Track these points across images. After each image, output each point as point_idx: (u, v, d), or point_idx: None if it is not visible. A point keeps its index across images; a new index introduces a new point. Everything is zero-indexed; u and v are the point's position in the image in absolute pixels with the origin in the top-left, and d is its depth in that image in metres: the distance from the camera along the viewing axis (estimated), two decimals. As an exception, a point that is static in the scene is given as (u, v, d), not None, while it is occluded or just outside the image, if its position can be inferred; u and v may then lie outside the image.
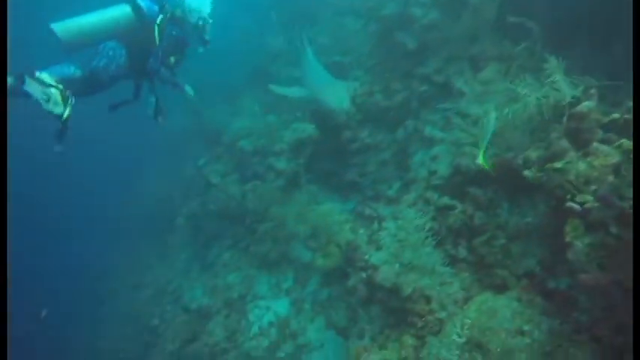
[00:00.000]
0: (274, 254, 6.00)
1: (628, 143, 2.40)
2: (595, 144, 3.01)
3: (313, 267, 5.44)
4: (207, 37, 4.64)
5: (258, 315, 5.85)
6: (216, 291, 6.59)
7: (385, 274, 4.22)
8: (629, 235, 2.31)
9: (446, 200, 4.38)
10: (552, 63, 2.95)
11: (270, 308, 5.80)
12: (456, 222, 4.05)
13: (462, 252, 3.92)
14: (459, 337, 3.07)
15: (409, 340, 3.59)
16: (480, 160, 3.11)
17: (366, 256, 4.49)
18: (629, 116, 2.91)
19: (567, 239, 2.60)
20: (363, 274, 4.44)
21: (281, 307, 5.73)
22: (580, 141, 3.09)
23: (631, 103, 2.95)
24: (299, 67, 6.76)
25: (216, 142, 8.40)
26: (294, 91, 6.13)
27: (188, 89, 5.08)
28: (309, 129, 6.48)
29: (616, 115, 3.08)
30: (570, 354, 2.71)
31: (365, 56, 6.77)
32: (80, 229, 14.32)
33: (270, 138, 7.26)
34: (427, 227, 4.21)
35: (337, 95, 5.66)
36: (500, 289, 3.36)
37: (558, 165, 2.83)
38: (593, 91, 3.25)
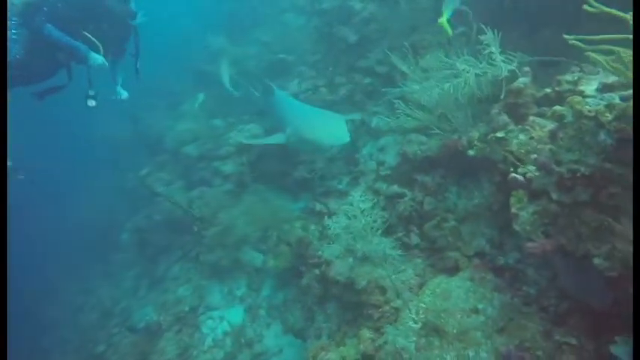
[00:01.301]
0: (225, 261, 5.71)
1: (560, 109, 2.43)
2: (532, 117, 3.07)
3: (266, 270, 5.22)
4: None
5: (211, 326, 5.52)
6: (166, 306, 6.18)
7: (339, 269, 4.10)
8: (569, 199, 2.32)
9: (395, 189, 4.35)
10: (489, 36, 2.97)
11: (224, 318, 5.50)
12: (405, 209, 4.01)
13: (415, 238, 3.87)
14: (415, 322, 2.98)
15: (367, 334, 3.46)
16: (443, 23, 3.37)
17: (319, 252, 4.35)
18: (560, 88, 2.98)
19: (513, 210, 2.58)
20: (317, 271, 4.30)
21: (235, 315, 5.44)
22: (518, 115, 3.13)
23: (563, 77, 3.02)
24: (269, 115, 6.11)
25: (158, 150, 7.99)
26: (277, 139, 5.22)
27: (120, 91, 4.79)
28: (255, 129, 6.28)
29: (548, 90, 3.16)
30: (521, 326, 2.69)
31: (308, 52, 6.69)
32: (15, 253, 13.12)
33: (216, 142, 6.99)
34: (378, 217, 4.15)
35: (333, 130, 4.73)
36: (453, 271, 3.33)
37: (500, 134, 2.84)
38: (527, 68, 3.33)
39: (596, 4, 2.07)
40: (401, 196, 4.22)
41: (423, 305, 3.02)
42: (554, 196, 2.36)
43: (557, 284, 2.87)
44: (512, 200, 2.66)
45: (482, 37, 2.99)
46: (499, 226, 3.42)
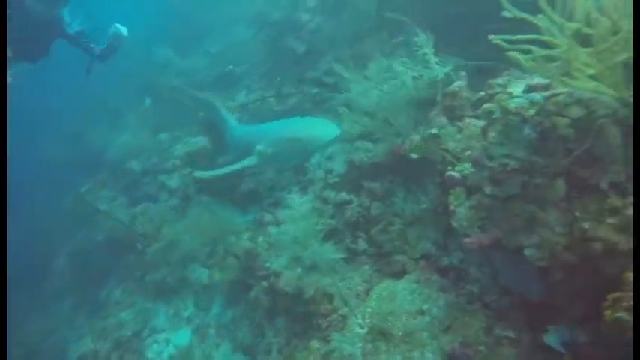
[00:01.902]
0: (171, 279, 5.46)
1: (489, 105, 2.54)
2: (467, 119, 3.19)
3: (213, 286, 5.03)
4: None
5: (157, 350, 5.22)
6: (105, 333, 5.78)
7: (287, 279, 4.01)
8: (501, 192, 2.41)
9: (343, 196, 4.35)
10: (422, 38, 3.08)
11: (170, 341, 5.21)
12: (353, 215, 4.03)
13: (362, 244, 3.87)
14: (361, 327, 2.95)
15: (316, 344, 3.39)
16: None
17: (267, 264, 4.25)
18: (492, 91, 3.13)
19: (451, 208, 2.64)
20: (265, 283, 4.18)
21: (182, 337, 5.17)
22: (455, 117, 3.25)
23: (495, 80, 3.17)
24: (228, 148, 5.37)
25: (100, 167, 7.62)
26: (246, 162, 4.52)
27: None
28: (201, 142, 6.14)
29: (482, 93, 3.31)
30: (465, 323, 2.73)
31: (257, 63, 6.69)
32: None
33: (161, 156, 6.76)
34: (326, 225, 4.15)
35: (321, 125, 4.20)
36: (400, 274, 3.35)
37: (436, 132, 2.93)
38: (463, 72, 3.48)
39: (513, 10, 2.20)
40: (349, 202, 4.23)
41: (370, 310, 3.01)
42: (488, 190, 2.44)
43: (498, 280, 2.96)
44: (450, 198, 2.72)
45: (416, 40, 3.10)
46: (443, 228, 3.49)
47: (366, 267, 3.68)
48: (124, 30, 4.87)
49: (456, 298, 2.95)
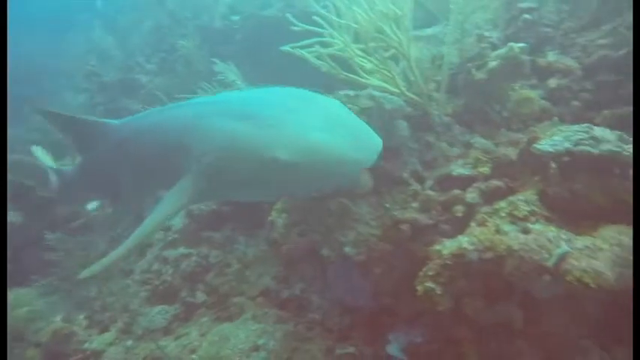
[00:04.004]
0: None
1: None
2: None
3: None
4: None
5: None
6: None
7: (112, 356, 3.38)
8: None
9: (182, 251, 4.00)
10: (220, 66, 3.21)
11: None
12: (189, 266, 3.68)
13: (200, 296, 3.50)
14: (191, 384, 2.51)
15: None
16: None
17: (86, 345, 3.54)
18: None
19: (270, 219, 2.55)
20: (80, 367, 3.43)
21: None
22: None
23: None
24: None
25: None
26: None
27: None
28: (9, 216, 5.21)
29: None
30: (306, 351, 2.52)
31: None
32: None
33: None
34: (160, 285, 3.72)
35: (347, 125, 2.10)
36: (238, 316, 3.04)
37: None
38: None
39: (299, 24, 2.42)
40: (187, 256, 3.88)
41: (197, 358, 2.60)
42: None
43: (339, 302, 2.87)
44: (273, 213, 2.65)
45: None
46: (285, 262, 3.38)
47: (205, 319, 3.29)
48: None
49: (294, 328, 2.75)
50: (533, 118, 2.53)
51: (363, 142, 1.82)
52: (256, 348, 2.60)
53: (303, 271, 3.21)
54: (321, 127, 1.82)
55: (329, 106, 1.96)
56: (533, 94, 2.60)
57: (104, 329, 3.68)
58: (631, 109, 2.38)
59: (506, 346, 2.43)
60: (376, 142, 1.82)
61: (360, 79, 2.26)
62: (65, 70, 7.09)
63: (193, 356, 2.59)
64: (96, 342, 3.51)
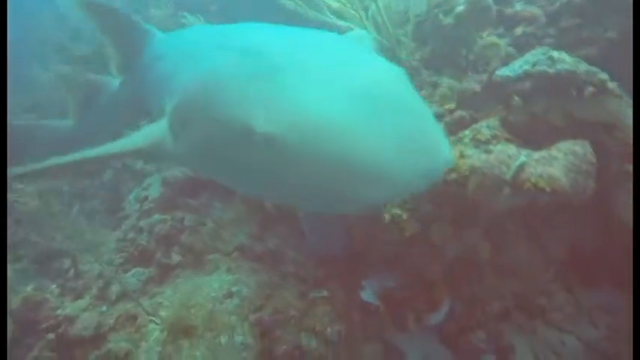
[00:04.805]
0: None
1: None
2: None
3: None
4: None
5: None
6: None
7: (85, 322, 3.33)
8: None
9: (156, 218, 3.98)
10: (190, 19, 3.20)
11: None
12: (163, 229, 3.66)
13: (175, 257, 3.48)
14: (162, 331, 2.51)
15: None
16: None
17: (58, 311, 3.50)
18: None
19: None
20: (52, 336, 3.38)
21: None
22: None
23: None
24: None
25: None
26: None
27: None
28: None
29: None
30: (278, 296, 2.55)
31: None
32: None
33: None
34: (136, 250, 3.70)
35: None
36: (212, 272, 3.05)
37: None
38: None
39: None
40: (162, 221, 3.86)
41: (170, 310, 2.60)
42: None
43: (313, 254, 2.91)
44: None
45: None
46: (261, 221, 3.40)
47: (179, 280, 3.28)
48: None
49: (268, 278, 2.77)
50: (499, 63, 2.59)
51: (421, 149, 1.11)
52: (229, 295, 2.61)
53: (279, 230, 3.25)
54: (347, 103, 1.15)
55: (376, 75, 1.25)
56: (499, 40, 2.68)
57: (78, 296, 3.64)
58: (593, 50, 2.48)
59: (477, 286, 2.50)
60: (445, 156, 1.14)
61: (327, 18, 2.29)
62: (35, 44, 6.95)
63: (165, 302, 2.59)
64: (69, 308, 3.46)
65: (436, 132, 1.20)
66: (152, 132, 1.81)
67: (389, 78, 1.27)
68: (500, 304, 2.68)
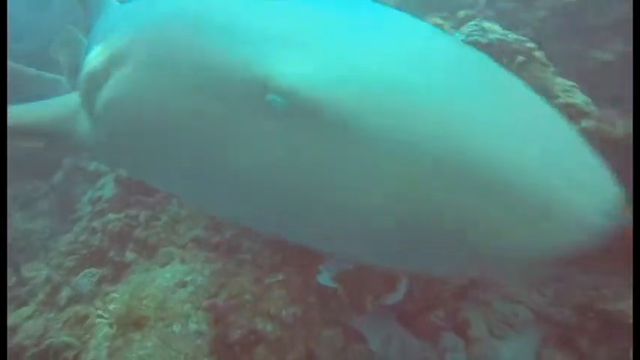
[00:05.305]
0: None
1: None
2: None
3: None
4: None
5: None
6: None
7: (29, 331, 3.19)
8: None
9: (110, 217, 3.86)
10: None
11: None
12: (116, 226, 3.56)
13: (130, 255, 3.39)
14: (111, 326, 2.42)
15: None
16: None
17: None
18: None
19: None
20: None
21: None
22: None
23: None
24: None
25: None
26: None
27: None
28: None
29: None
30: (235, 283, 2.52)
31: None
32: None
33: None
34: (85, 250, 3.59)
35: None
36: (165, 263, 2.98)
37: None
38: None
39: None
40: (116, 220, 3.75)
41: (119, 302, 2.52)
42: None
43: (270, 243, 2.88)
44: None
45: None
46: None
47: (133, 276, 3.19)
48: None
49: (223, 267, 2.73)
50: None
51: (585, 168, 0.67)
52: (183, 284, 2.55)
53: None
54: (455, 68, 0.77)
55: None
56: (444, 24, 2.77)
57: (22, 304, 3.47)
58: (529, 30, 2.60)
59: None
60: (611, 191, 0.65)
61: None
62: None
63: (115, 295, 2.50)
64: (12, 317, 3.30)
65: (582, 143, 0.71)
66: (53, 106, 1.36)
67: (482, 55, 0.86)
68: (457, 281, 2.75)
